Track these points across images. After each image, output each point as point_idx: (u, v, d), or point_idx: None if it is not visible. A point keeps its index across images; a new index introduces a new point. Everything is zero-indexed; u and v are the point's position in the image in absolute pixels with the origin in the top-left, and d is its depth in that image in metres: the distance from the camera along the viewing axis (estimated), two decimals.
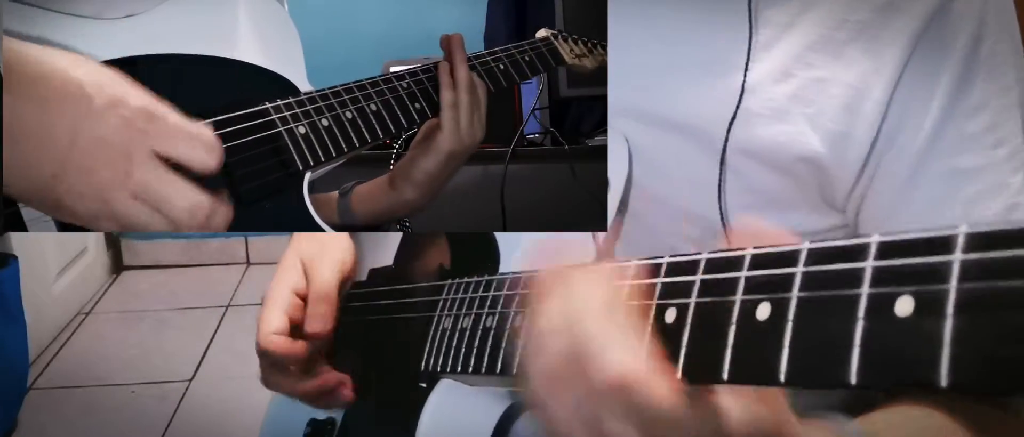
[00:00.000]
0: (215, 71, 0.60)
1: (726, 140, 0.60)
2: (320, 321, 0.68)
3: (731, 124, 0.59)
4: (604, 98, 0.65)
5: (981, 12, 0.57)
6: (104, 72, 0.49)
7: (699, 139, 0.61)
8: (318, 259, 0.71)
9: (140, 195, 0.49)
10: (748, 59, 0.59)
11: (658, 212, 0.64)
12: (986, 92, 0.57)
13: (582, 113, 1.73)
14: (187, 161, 0.50)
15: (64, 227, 0.51)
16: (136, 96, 0.49)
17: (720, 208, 0.61)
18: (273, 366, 0.69)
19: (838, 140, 0.58)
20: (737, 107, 0.59)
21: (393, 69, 0.75)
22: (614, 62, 0.65)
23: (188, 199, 0.50)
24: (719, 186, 0.61)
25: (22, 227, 0.50)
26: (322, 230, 0.61)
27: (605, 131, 0.66)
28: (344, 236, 0.76)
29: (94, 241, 2.64)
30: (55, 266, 2.38)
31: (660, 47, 0.64)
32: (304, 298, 0.71)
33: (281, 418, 0.75)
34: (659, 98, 0.63)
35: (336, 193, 0.79)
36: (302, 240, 0.75)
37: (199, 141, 0.51)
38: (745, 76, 0.59)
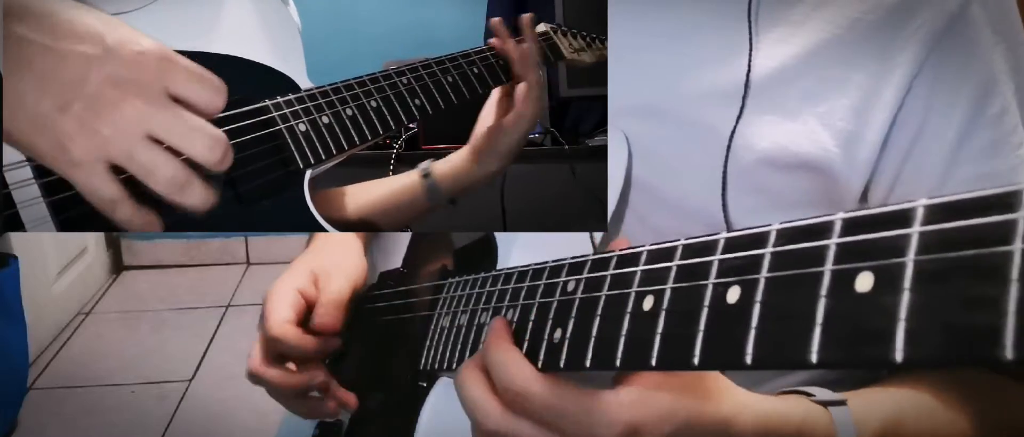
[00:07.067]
0: (214, 67, 0.60)
1: (730, 139, 0.60)
2: (329, 318, 0.69)
3: (737, 123, 0.59)
4: (604, 98, 0.65)
5: (994, 17, 0.57)
6: (113, 18, 0.48)
7: (705, 138, 0.61)
8: (331, 273, 0.72)
9: (158, 134, 0.47)
10: (751, 57, 0.59)
11: (662, 211, 0.64)
12: (1007, 95, 0.58)
13: (582, 113, 1.73)
14: (197, 101, 0.49)
15: (64, 226, 0.50)
16: (146, 38, 0.48)
17: (723, 208, 0.61)
18: (275, 358, 0.70)
19: (849, 140, 0.58)
20: (742, 106, 0.59)
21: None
22: (615, 60, 0.65)
23: (208, 134, 0.49)
24: (723, 186, 0.61)
25: (20, 227, 0.50)
26: (323, 228, 0.61)
27: (605, 131, 0.66)
28: (358, 250, 0.77)
29: (94, 241, 2.64)
30: (55, 266, 2.38)
31: (665, 45, 0.64)
32: (308, 303, 0.71)
33: (293, 421, 0.76)
34: (664, 96, 0.63)
35: (417, 174, 0.80)
36: (317, 253, 0.75)
37: (207, 81, 0.50)
38: (748, 75, 0.59)
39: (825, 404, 0.48)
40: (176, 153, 0.48)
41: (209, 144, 0.49)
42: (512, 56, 0.80)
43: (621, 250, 0.43)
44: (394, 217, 0.80)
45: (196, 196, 0.49)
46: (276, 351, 0.69)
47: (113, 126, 0.46)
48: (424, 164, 0.80)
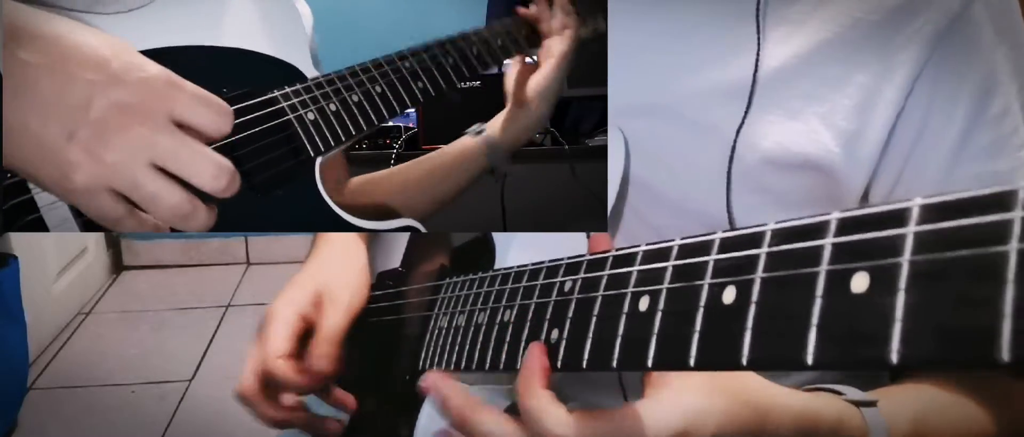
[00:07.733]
0: (221, 61, 0.60)
1: (736, 138, 0.60)
2: (325, 361, 0.68)
3: (743, 122, 0.59)
4: (604, 97, 0.65)
5: (997, 17, 0.57)
6: (115, 39, 0.48)
7: (707, 137, 0.61)
8: (335, 298, 0.71)
9: (163, 162, 0.46)
10: (758, 57, 0.59)
11: (662, 211, 0.64)
12: (1008, 96, 0.58)
13: (582, 113, 1.73)
14: (203, 126, 0.49)
15: (87, 227, 0.49)
16: (152, 64, 0.48)
17: (728, 207, 0.61)
18: (269, 389, 0.69)
19: (850, 139, 0.58)
20: (748, 105, 0.59)
21: None
22: (616, 59, 0.65)
23: (212, 163, 0.48)
24: (727, 185, 0.61)
25: (44, 227, 0.49)
26: (337, 216, 0.61)
27: (605, 131, 0.66)
28: (362, 257, 0.76)
29: (94, 241, 2.64)
30: (55, 266, 2.38)
31: (666, 44, 0.63)
32: (309, 326, 0.70)
33: None
34: (665, 95, 0.63)
35: (468, 136, 0.83)
36: (323, 265, 0.74)
37: (213, 106, 0.50)
38: (755, 74, 0.59)
39: (856, 404, 0.48)
40: (180, 180, 0.47)
41: (214, 172, 0.48)
42: (542, 14, 0.84)
43: (618, 250, 0.43)
44: (453, 183, 0.83)
45: (199, 222, 0.49)
46: (268, 380, 0.69)
47: (118, 154, 0.45)
48: (473, 127, 0.84)
